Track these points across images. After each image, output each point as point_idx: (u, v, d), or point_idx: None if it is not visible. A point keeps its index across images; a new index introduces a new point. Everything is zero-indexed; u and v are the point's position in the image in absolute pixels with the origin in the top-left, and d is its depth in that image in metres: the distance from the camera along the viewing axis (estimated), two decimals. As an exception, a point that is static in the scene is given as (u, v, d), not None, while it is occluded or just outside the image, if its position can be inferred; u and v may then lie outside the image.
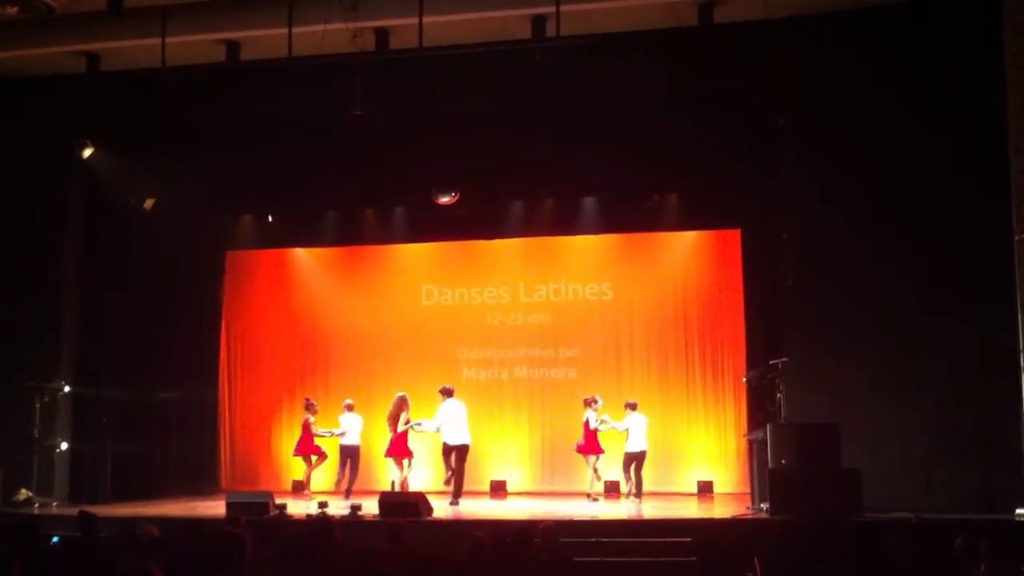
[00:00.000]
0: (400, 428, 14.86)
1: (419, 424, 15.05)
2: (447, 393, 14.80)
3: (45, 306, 15.05)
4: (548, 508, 14.05)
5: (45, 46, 13.82)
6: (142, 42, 13.20)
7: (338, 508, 13.00)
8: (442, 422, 14.58)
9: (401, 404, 14.99)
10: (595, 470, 15.11)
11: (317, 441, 15.82)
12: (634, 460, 14.89)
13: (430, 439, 15.85)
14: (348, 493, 15.21)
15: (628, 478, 14.98)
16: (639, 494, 14.77)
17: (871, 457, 11.89)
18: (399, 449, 14.95)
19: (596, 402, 15.13)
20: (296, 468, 17.44)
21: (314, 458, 15.92)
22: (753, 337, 15.13)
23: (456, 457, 14.52)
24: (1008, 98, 11.78)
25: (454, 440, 14.53)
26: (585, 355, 17.23)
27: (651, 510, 13.85)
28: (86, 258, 15.60)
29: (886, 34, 12.74)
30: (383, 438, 15.55)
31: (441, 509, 13.30)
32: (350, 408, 15.96)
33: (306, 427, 15.80)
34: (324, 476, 16.64)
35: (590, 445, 15.00)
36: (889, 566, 6.84)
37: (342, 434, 15.81)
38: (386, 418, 15.09)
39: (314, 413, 15.89)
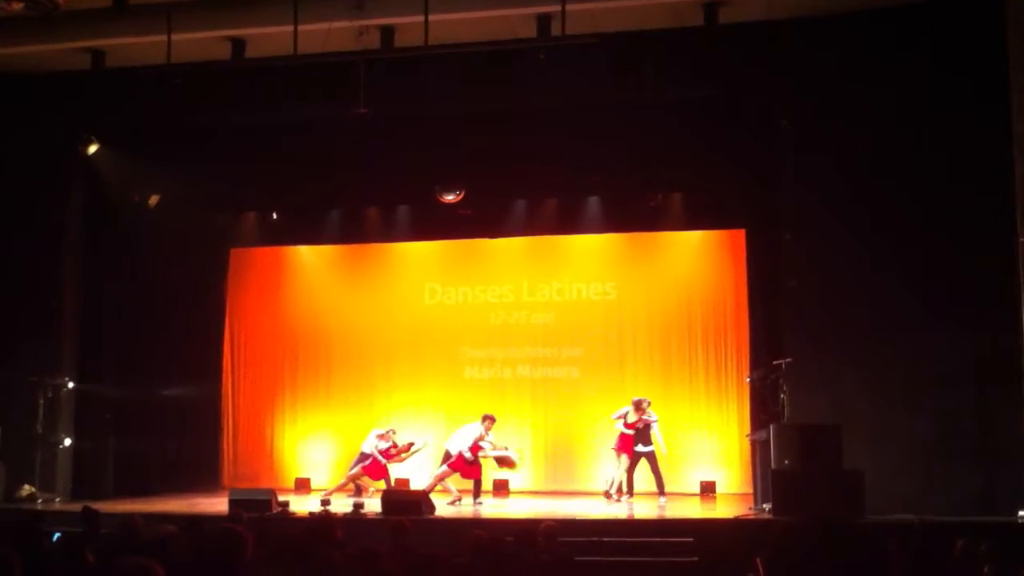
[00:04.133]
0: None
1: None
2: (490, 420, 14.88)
3: (48, 302, 15.06)
4: (550, 507, 14.06)
5: (49, 43, 13.82)
6: (147, 39, 13.17)
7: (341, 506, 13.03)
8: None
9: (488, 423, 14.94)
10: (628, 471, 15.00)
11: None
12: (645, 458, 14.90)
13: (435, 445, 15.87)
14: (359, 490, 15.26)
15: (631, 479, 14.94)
16: (630, 492, 14.81)
17: (873, 458, 11.88)
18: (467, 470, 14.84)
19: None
20: (296, 466, 17.54)
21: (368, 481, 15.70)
22: (757, 337, 15.12)
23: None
24: (1012, 100, 11.77)
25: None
26: (588, 355, 17.21)
27: (653, 510, 13.85)
28: (90, 254, 15.62)
29: (890, 36, 12.74)
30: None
31: (448, 509, 13.39)
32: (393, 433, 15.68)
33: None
34: (328, 474, 16.67)
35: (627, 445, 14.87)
36: (890, 568, 6.83)
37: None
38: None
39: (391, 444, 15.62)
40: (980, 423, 12.15)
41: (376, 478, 15.15)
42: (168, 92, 13.40)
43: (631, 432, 14.69)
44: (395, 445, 15.41)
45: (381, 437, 15.35)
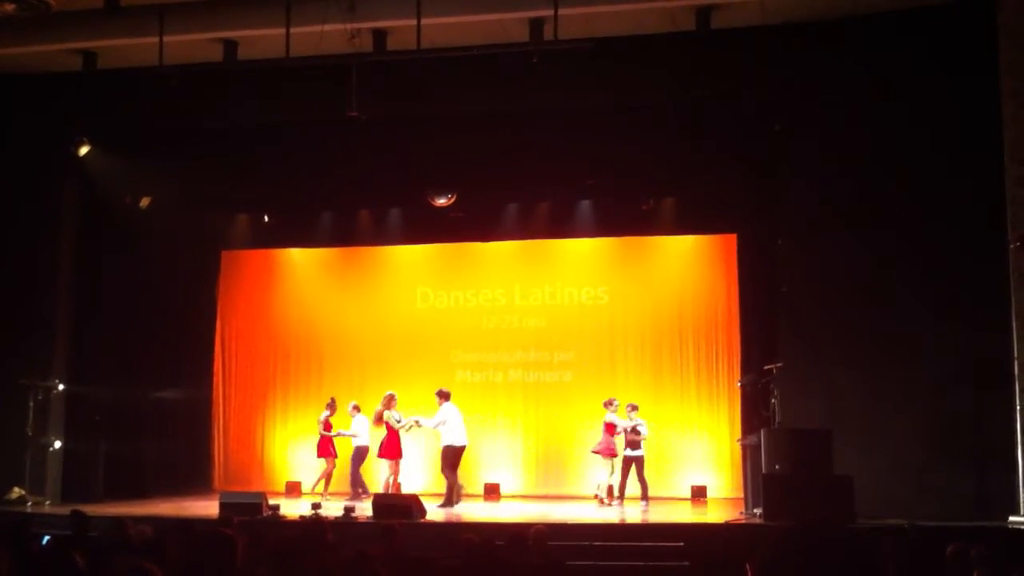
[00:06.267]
0: (393, 425, 14.92)
1: (418, 422, 15.06)
2: (446, 396, 14.80)
3: (39, 304, 15.03)
4: (541, 511, 14.05)
5: (42, 43, 13.79)
6: (139, 40, 13.17)
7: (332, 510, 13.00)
8: (442, 421, 14.56)
9: (387, 402, 15.03)
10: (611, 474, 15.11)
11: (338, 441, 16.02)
12: (635, 463, 14.95)
13: (426, 440, 15.85)
14: (363, 493, 15.25)
15: (625, 482, 14.99)
16: (620, 497, 14.92)
17: (864, 463, 11.88)
18: (389, 450, 14.98)
19: (613, 404, 15.11)
20: (287, 470, 17.52)
21: (323, 463, 15.93)
22: (748, 342, 15.13)
23: (456, 459, 14.52)
24: (1003, 106, 11.81)
25: (462, 441, 14.58)
26: (580, 359, 17.21)
27: (644, 514, 13.86)
28: (81, 257, 15.58)
29: (882, 41, 12.77)
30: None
31: (435, 513, 13.34)
32: (357, 409, 15.94)
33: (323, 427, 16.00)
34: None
35: (609, 449, 14.97)
36: (881, 573, 6.83)
37: (353, 435, 15.80)
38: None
39: (331, 413, 15.98)
40: (972, 427, 12.17)
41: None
42: (160, 94, 13.37)
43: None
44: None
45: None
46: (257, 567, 5.96)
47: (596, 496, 15.00)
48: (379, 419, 15.08)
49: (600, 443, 15.01)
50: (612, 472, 15.01)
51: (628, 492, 15.13)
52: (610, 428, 14.94)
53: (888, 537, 10.21)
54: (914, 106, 12.62)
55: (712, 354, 16.77)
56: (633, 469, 15.02)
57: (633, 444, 14.99)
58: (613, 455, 14.95)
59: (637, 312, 17.13)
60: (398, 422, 15.02)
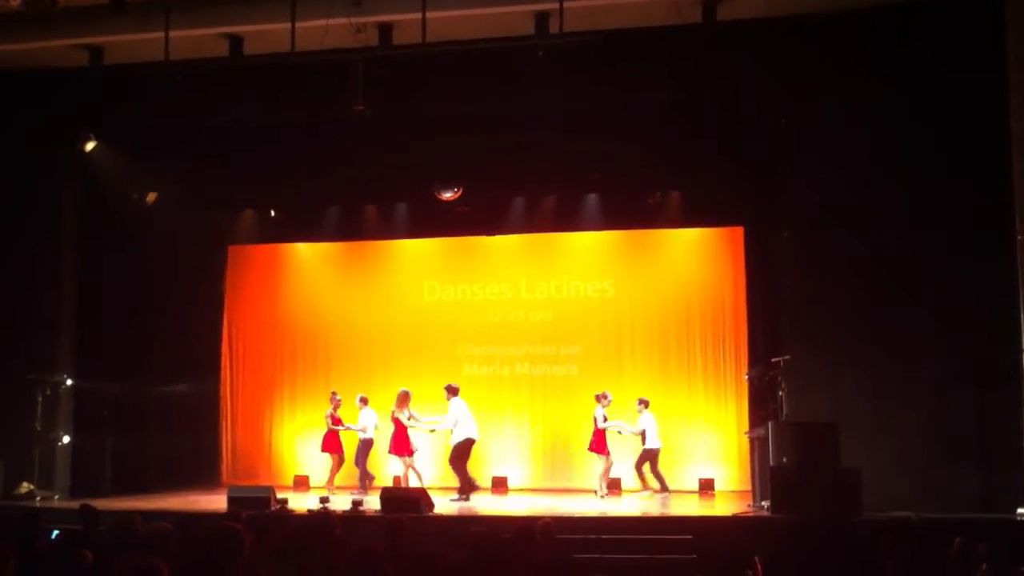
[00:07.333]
0: (403, 421, 14.96)
1: (433, 430, 15.17)
2: (455, 391, 14.81)
3: (47, 299, 15.06)
4: (549, 504, 14.06)
5: (47, 39, 13.80)
6: (145, 36, 13.17)
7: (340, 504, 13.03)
8: (455, 421, 14.59)
9: (401, 400, 15.05)
10: (605, 471, 15.12)
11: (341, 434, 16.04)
12: (649, 458, 14.97)
13: (433, 434, 15.84)
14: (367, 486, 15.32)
15: (642, 476, 15.01)
16: (665, 489, 14.99)
17: (871, 456, 11.87)
18: (399, 446, 15.01)
19: (606, 398, 15.12)
20: (295, 464, 17.54)
21: (332, 457, 15.97)
22: (755, 335, 15.12)
23: (467, 453, 14.55)
24: (1010, 100, 11.77)
25: (474, 435, 14.61)
26: (586, 352, 17.21)
27: (652, 507, 13.86)
28: (88, 251, 15.60)
29: (888, 34, 12.74)
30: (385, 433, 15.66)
31: (449, 506, 13.40)
32: (364, 402, 15.98)
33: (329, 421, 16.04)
34: (327, 472, 16.66)
35: (598, 444, 15.00)
36: (887, 566, 6.83)
37: (362, 430, 15.82)
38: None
39: (336, 407, 15.98)
40: (978, 421, 12.15)
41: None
42: (163, 91, 13.37)
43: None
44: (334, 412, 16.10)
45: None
46: (264, 561, 5.97)
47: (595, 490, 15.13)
48: (393, 418, 15.12)
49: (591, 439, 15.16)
50: (609, 467, 15.10)
51: (629, 484, 15.42)
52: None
53: (894, 530, 10.22)
54: (920, 99, 12.60)
55: (719, 347, 16.75)
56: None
57: (641, 438, 15.07)
58: (600, 451, 15.01)
59: (643, 305, 17.12)
60: (409, 418, 15.04)
